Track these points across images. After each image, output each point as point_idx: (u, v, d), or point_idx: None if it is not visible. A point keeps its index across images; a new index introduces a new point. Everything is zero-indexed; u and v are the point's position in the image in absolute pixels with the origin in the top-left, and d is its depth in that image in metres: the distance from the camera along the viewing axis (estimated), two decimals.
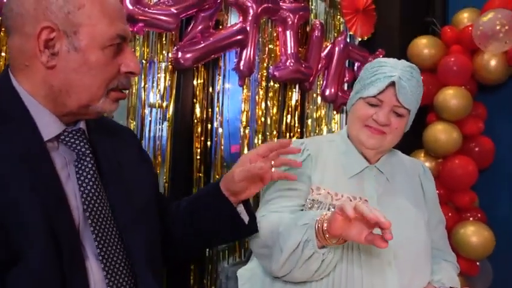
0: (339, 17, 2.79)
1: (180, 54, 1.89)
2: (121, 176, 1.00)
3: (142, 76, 1.84)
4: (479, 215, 2.74)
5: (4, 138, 0.83)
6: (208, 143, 2.08)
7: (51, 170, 0.87)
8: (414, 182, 1.44)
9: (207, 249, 2.12)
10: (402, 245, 1.23)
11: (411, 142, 2.64)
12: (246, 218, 1.19)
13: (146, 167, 1.13)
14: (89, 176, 0.91)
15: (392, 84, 1.25)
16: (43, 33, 0.84)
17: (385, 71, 1.28)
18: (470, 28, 2.65)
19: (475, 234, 2.57)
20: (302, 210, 1.29)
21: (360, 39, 2.84)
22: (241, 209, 1.19)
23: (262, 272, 1.33)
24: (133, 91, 1.84)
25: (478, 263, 2.71)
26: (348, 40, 2.75)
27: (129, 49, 0.94)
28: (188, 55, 1.90)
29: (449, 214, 2.72)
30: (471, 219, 2.71)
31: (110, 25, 0.88)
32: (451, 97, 2.65)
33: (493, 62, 2.69)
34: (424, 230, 1.36)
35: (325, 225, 1.08)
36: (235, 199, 1.17)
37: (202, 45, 1.93)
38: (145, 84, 1.86)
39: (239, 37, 2.05)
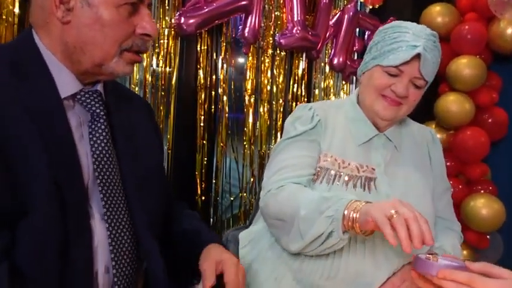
0: None
1: (182, 19, 1.87)
2: (132, 141, 1.01)
3: None
4: (490, 187, 2.69)
5: (23, 92, 0.84)
6: (212, 110, 2.08)
7: (65, 128, 0.88)
8: (422, 150, 1.41)
9: (211, 218, 2.14)
10: None
11: (422, 113, 2.58)
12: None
13: (158, 142, 1.14)
14: (101, 138, 0.93)
15: (418, 56, 1.17)
16: None
17: (408, 39, 1.18)
18: None
19: (485, 206, 2.53)
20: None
21: (370, 7, 2.76)
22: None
23: (268, 232, 1.32)
24: None
25: (488, 236, 2.67)
26: (359, 8, 2.68)
27: (146, 11, 0.93)
28: (191, 20, 1.88)
29: (460, 186, 2.68)
30: (482, 191, 2.66)
31: None
32: (464, 66, 2.58)
33: (509, 30, 2.59)
34: (429, 200, 1.34)
35: (356, 215, 1.02)
36: None
37: (205, 10, 1.91)
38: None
39: (243, 3, 2.02)
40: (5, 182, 0.79)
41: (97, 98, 0.94)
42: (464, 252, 2.67)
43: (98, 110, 0.93)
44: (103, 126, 0.93)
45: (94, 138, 0.92)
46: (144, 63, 1.87)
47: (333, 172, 1.25)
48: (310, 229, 1.09)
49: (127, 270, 0.93)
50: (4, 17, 1.51)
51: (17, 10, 1.55)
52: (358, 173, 1.26)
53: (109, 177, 0.92)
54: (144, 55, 1.85)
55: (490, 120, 2.68)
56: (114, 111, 0.98)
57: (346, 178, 1.25)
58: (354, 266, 1.20)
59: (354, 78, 2.79)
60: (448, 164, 2.64)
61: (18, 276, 0.79)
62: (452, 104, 2.61)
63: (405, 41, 1.19)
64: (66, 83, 0.90)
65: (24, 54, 0.89)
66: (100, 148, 0.92)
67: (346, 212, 1.04)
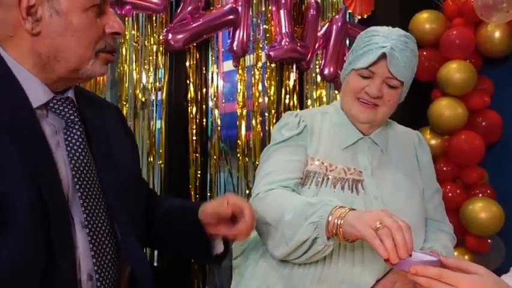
0: None
1: (170, 35, 1.90)
2: (107, 145, 1.01)
3: (134, 58, 1.86)
4: (488, 191, 2.67)
5: None
6: (204, 123, 2.09)
7: (40, 138, 0.87)
8: (409, 153, 1.42)
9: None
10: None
11: (416, 119, 2.60)
12: (219, 248, 1.14)
13: (130, 144, 1.14)
14: (77, 144, 0.92)
15: (384, 55, 1.21)
16: (23, 0, 0.85)
17: (377, 41, 1.23)
18: (472, 0, 2.58)
19: (484, 210, 2.52)
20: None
21: (359, 17, 2.80)
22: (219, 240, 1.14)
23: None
24: (126, 74, 1.86)
25: (489, 240, 2.65)
26: (348, 18, 2.72)
27: (111, 11, 0.94)
28: (179, 36, 1.91)
29: (458, 191, 2.67)
30: (480, 195, 2.65)
31: None
32: (455, 71, 2.59)
33: (497, 34, 2.61)
34: (418, 201, 1.34)
35: (340, 222, 1.03)
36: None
37: (193, 26, 1.94)
38: (137, 66, 1.89)
39: (230, 17, 2.06)
40: None
41: (70, 105, 0.94)
42: (466, 257, 2.64)
43: (72, 117, 0.93)
44: (78, 133, 0.93)
45: (70, 145, 0.92)
46: (134, 80, 1.89)
47: (320, 175, 1.26)
48: (294, 235, 1.10)
49: (110, 276, 0.92)
50: None
51: None
52: (346, 176, 1.27)
53: (88, 182, 0.92)
54: (134, 72, 1.88)
55: (483, 124, 2.68)
56: (87, 117, 0.98)
57: (334, 180, 1.26)
58: (343, 271, 1.19)
59: None
60: (444, 168, 2.67)
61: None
62: (445, 108, 2.62)
63: (375, 43, 1.24)
64: (37, 93, 0.89)
65: None
66: (77, 154, 0.91)
67: (330, 219, 1.05)
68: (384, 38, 1.23)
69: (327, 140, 1.33)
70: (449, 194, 2.60)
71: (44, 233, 0.82)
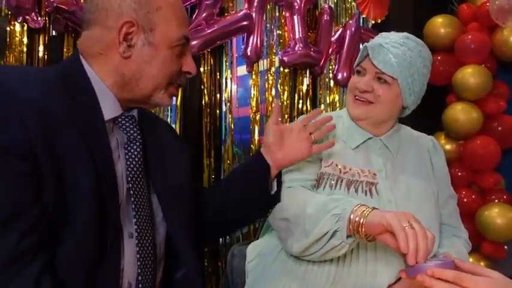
0: (350, 0, 2.76)
1: None
2: (162, 160, 1.09)
3: None
4: (504, 196, 2.64)
5: (74, 111, 0.91)
6: (218, 128, 2.11)
7: (108, 148, 0.95)
8: (423, 157, 1.42)
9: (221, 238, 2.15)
10: None
11: (431, 124, 2.58)
12: (273, 188, 1.25)
13: (185, 157, 1.21)
14: (136, 159, 0.99)
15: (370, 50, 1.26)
16: (125, 26, 0.93)
17: (373, 40, 1.28)
18: (487, 4, 2.56)
19: (500, 215, 2.49)
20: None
21: (373, 22, 2.79)
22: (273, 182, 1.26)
23: (275, 243, 1.33)
24: None
25: (505, 247, 2.62)
26: (361, 23, 2.72)
27: (190, 53, 1.05)
28: (194, 42, 1.94)
29: (473, 196, 2.65)
30: (496, 201, 2.62)
31: (179, 28, 0.99)
32: (470, 76, 2.57)
33: None
34: (433, 206, 1.34)
35: (362, 220, 1.05)
36: (275, 166, 1.24)
37: (207, 32, 1.97)
38: None
39: (244, 23, 2.08)
40: (57, 190, 0.84)
41: (134, 123, 1.01)
42: (482, 263, 2.61)
43: (134, 134, 1.01)
44: (138, 149, 1.00)
45: (130, 160, 0.99)
46: None
47: (334, 177, 1.27)
48: (315, 227, 1.11)
49: (148, 285, 0.98)
50: (13, 46, 1.58)
51: (25, 40, 1.62)
52: (359, 178, 1.28)
53: (141, 197, 0.99)
54: None
55: (499, 128, 2.66)
56: (146, 134, 1.06)
57: (348, 183, 1.27)
58: (356, 272, 1.20)
59: None
60: (459, 174, 2.65)
61: None
62: (460, 113, 2.60)
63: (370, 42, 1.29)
64: (110, 107, 0.97)
65: (73, 78, 0.96)
66: (135, 169, 0.99)
67: (352, 216, 1.07)
68: (379, 38, 1.28)
69: (340, 143, 1.34)
70: (465, 200, 2.58)
71: (97, 238, 0.88)
